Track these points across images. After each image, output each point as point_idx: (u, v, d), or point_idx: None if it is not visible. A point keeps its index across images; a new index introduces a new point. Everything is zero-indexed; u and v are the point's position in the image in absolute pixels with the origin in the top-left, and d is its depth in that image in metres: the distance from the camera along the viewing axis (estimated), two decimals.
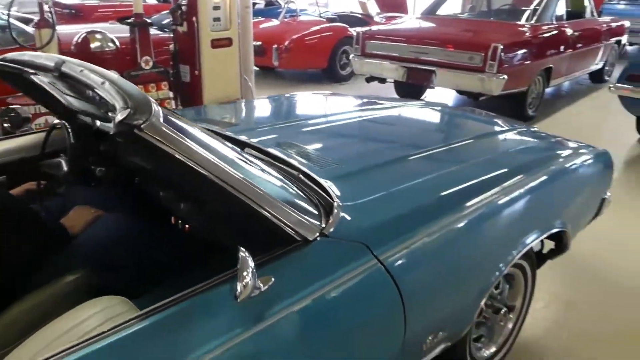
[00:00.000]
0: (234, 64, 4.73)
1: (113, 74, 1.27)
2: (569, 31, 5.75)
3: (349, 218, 1.35)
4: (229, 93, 4.71)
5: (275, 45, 6.70)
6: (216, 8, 4.51)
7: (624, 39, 7.39)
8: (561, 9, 5.81)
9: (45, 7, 3.76)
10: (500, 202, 1.66)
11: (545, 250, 2.12)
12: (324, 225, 1.28)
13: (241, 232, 1.25)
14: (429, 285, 1.43)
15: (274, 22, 7.65)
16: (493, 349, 1.99)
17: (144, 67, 4.21)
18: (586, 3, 6.50)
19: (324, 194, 1.42)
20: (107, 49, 4.14)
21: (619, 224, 3.14)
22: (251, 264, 1.02)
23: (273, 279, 1.09)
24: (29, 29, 4.08)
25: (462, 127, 2.58)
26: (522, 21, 5.45)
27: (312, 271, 1.20)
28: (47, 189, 1.95)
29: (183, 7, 4.38)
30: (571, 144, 2.22)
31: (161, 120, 1.07)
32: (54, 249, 1.72)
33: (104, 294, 1.29)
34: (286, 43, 6.75)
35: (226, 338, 1.03)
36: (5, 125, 2.52)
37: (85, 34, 4.11)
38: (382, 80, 5.70)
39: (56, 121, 1.97)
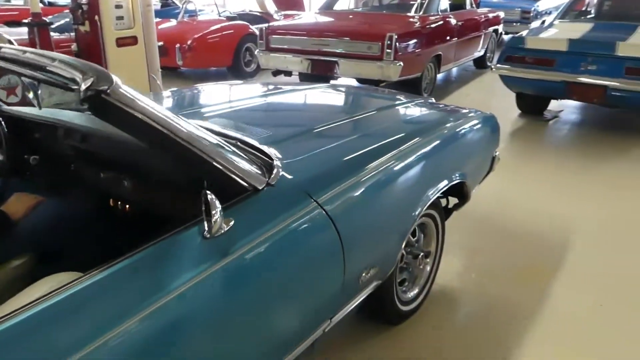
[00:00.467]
0: (141, 62, 4.73)
1: (58, 54, 1.35)
2: (453, 21, 6.32)
3: (288, 173, 1.54)
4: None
5: (178, 45, 6.69)
6: (118, 7, 4.49)
7: (501, 28, 8.20)
8: (444, 1, 6.37)
9: None
10: (408, 159, 1.92)
11: (450, 205, 2.45)
12: (268, 179, 1.46)
13: (198, 186, 1.39)
14: (361, 227, 1.66)
15: (173, 22, 7.61)
16: (416, 291, 2.27)
17: None
18: None
19: (262, 156, 1.60)
20: None
21: (508, 184, 3.61)
22: (218, 205, 1.18)
23: (233, 221, 1.26)
24: None
25: (371, 101, 2.85)
26: (412, 13, 5.92)
27: (264, 215, 1.38)
28: None
29: (84, 6, 4.32)
30: (463, 111, 2.56)
31: (121, 85, 1.20)
32: None
33: None
34: (189, 42, 6.76)
35: (198, 271, 1.18)
36: None
37: None
38: (288, 73, 5.93)
39: None
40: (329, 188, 1.56)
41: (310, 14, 6.92)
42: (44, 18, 4.06)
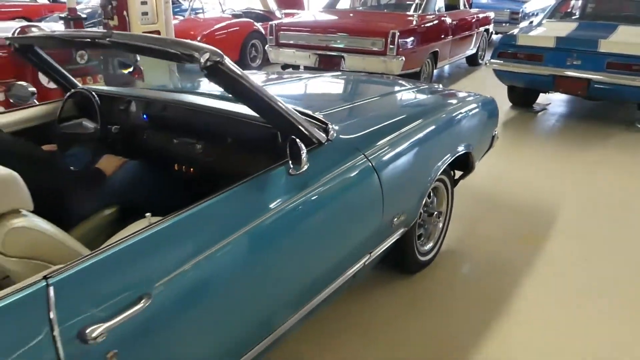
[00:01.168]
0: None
1: (163, 37, 1.74)
2: (448, 20, 6.77)
3: (342, 134, 1.94)
4: None
5: None
6: (143, 3, 4.85)
7: (491, 27, 8.66)
8: (440, 1, 6.80)
9: None
10: (428, 129, 2.34)
11: (457, 177, 2.86)
12: (327, 136, 1.85)
13: (282, 137, 1.78)
14: (395, 178, 2.07)
15: (179, 19, 7.95)
16: (430, 244, 2.69)
17: (79, 61, 4.44)
18: None
19: (317, 121, 1.99)
20: None
21: (503, 166, 4.07)
22: (304, 148, 1.58)
23: (308, 164, 1.66)
24: None
25: (394, 85, 3.26)
26: (411, 12, 6.35)
27: (327, 162, 1.78)
28: (71, 145, 2.32)
29: (113, 2, 4.67)
30: (469, 94, 2.98)
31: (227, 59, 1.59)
32: (93, 187, 2.12)
33: None
34: (198, 39, 7.12)
35: (287, 197, 1.58)
36: (12, 100, 2.77)
37: (20, 28, 4.25)
38: (296, 68, 6.32)
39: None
40: (372, 146, 1.97)
41: (315, 12, 7.31)
42: (62, 15, 4.39)
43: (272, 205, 1.55)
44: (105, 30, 1.84)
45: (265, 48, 6.55)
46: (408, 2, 6.81)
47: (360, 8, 7.15)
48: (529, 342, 2.20)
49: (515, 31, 5.48)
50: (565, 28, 5.28)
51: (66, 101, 2.39)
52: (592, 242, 3.03)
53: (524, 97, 5.69)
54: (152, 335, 1.24)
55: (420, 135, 2.28)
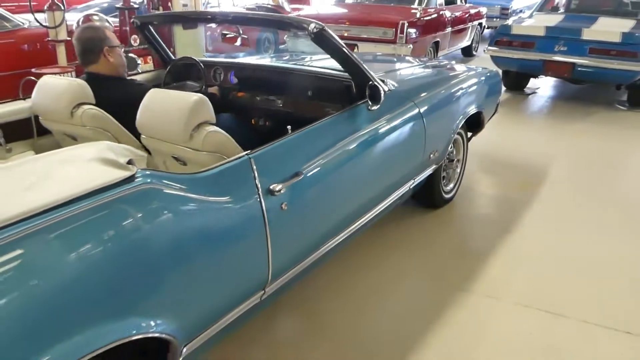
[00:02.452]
0: (198, 42, 5.73)
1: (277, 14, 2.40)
2: (447, 14, 7.48)
3: (394, 88, 2.62)
4: None
5: (208, 33, 7.68)
6: (185, 5, 5.48)
7: (484, 22, 9.41)
8: None
9: None
10: (454, 89, 3.04)
11: (470, 135, 3.56)
12: (388, 87, 2.53)
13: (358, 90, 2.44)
14: (433, 123, 2.75)
15: None
16: (451, 185, 3.39)
17: (133, 44, 5.08)
18: None
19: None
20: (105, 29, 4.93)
21: (502, 136, 4.80)
22: (383, 91, 2.26)
23: (378, 105, 2.33)
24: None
25: (423, 60, 3.95)
26: (415, 5, 7.05)
27: (390, 104, 2.46)
28: None
29: None
30: (478, 67, 3.68)
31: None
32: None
33: None
34: (219, 30, 7.75)
35: (368, 124, 2.27)
36: None
37: (84, 16, 4.88)
38: None
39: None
40: (417, 97, 2.66)
41: (330, 5, 7.97)
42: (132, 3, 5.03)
43: (359, 128, 2.24)
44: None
45: (285, 38, 7.20)
46: None
47: (367, 2, 7.81)
48: (531, 250, 2.91)
49: (510, 22, 6.22)
50: (553, 19, 6.01)
51: (170, 68, 3.03)
52: (577, 187, 3.76)
53: (517, 81, 6.41)
54: (305, 196, 1.91)
55: (448, 94, 2.98)
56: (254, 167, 1.72)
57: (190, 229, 1.47)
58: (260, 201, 1.69)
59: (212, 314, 1.59)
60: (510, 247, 2.93)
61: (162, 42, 3.06)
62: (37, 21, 4.46)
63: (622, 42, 5.19)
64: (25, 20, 5.12)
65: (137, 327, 1.29)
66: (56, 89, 2.23)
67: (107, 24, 5.01)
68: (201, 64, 2.92)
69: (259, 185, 1.70)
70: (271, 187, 1.73)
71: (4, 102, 2.40)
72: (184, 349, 1.49)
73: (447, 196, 3.35)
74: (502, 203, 3.50)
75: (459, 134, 3.30)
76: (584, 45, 5.37)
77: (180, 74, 3.08)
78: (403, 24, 6.11)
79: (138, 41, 5.10)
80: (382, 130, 2.36)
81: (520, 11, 11.42)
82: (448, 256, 2.86)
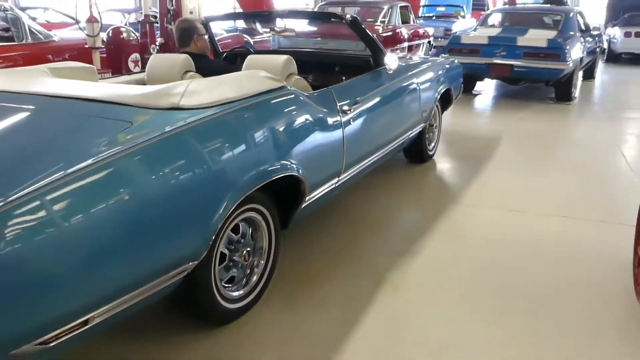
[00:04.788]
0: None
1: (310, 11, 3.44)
2: (403, 31, 8.78)
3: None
4: None
5: None
6: (191, 12, 6.44)
7: (432, 40, 10.84)
8: (398, 17, 8.82)
9: (94, 8, 5.39)
10: (432, 71, 4.16)
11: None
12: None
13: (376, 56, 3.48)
14: (424, 89, 3.84)
15: None
16: (432, 145, 4.48)
17: (152, 52, 5.98)
18: (410, 14, 9.70)
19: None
20: (131, 38, 5.83)
21: (461, 122, 5.99)
22: (396, 58, 3.33)
23: (393, 69, 3.40)
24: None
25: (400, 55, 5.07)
26: (378, 23, 8.30)
27: (400, 72, 3.53)
28: None
29: (171, 11, 6.24)
30: (447, 59, 4.84)
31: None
32: None
33: None
34: None
35: (388, 81, 3.33)
36: None
37: (114, 28, 5.76)
38: None
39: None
40: (412, 70, 3.76)
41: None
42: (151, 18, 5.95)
43: (383, 82, 3.30)
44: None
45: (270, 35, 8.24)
46: (374, 16, 8.77)
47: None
48: (493, 182, 4.04)
49: (459, 33, 7.54)
50: (493, 31, 7.38)
51: (226, 55, 4.00)
52: (519, 149, 4.98)
53: (466, 84, 7.62)
54: (359, 116, 2.91)
55: (430, 72, 4.09)
56: (334, 95, 2.73)
57: (309, 119, 2.45)
58: (339, 114, 2.70)
59: (317, 179, 2.54)
60: (479, 181, 4.04)
61: (212, 37, 4.01)
62: (81, 29, 5.30)
63: (547, 47, 6.57)
64: (54, 34, 5.94)
65: (290, 169, 2.24)
66: (169, 61, 3.15)
67: (132, 35, 5.91)
68: (251, 50, 3.91)
69: (337, 105, 2.71)
70: (344, 107, 2.75)
71: (127, 74, 3.30)
72: (306, 198, 2.44)
73: (430, 152, 4.44)
74: (469, 158, 4.63)
75: (436, 106, 4.42)
76: (519, 50, 6.72)
77: (231, 58, 4.05)
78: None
79: (156, 50, 6.00)
80: (395, 87, 3.43)
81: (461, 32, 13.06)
82: (438, 188, 3.94)
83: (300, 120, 2.39)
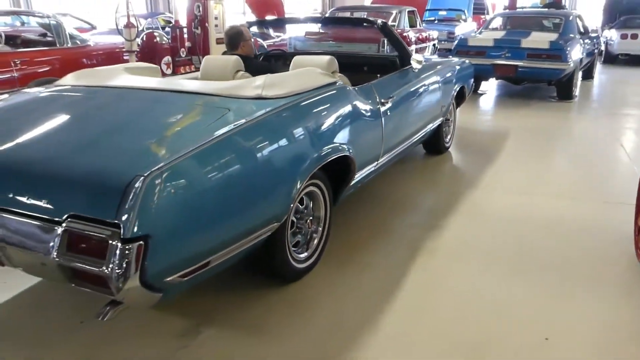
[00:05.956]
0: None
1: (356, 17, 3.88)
2: (411, 34, 9.23)
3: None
4: None
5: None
6: (216, 18, 6.89)
7: (436, 43, 11.29)
8: (406, 21, 9.26)
9: (131, 14, 5.82)
10: (450, 68, 4.59)
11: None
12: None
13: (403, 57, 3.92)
14: (444, 85, 4.28)
15: None
16: (448, 137, 4.91)
17: (182, 55, 6.41)
18: (417, 19, 10.15)
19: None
20: (163, 42, 6.26)
21: (470, 120, 6.42)
22: (422, 58, 3.76)
23: (421, 66, 3.84)
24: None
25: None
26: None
27: (424, 71, 3.97)
28: None
29: (198, 17, 6.68)
30: (460, 59, 5.28)
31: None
32: None
33: None
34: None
35: (417, 77, 3.77)
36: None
37: (147, 33, 6.18)
38: None
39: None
40: (434, 68, 4.19)
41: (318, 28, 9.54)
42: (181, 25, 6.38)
43: (411, 79, 3.73)
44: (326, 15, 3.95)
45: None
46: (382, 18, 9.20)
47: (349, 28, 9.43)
48: (505, 169, 4.47)
49: (466, 36, 7.99)
50: (498, 34, 7.83)
51: (264, 56, 4.42)
52: (525, 142, 5.42)
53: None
54: (393, 109, 3.32)
55: (448, 71, 4.53)
56: (374, 89, 3.16)
57: (357, 109, 2.88)
58: (379, 106, 3.13)
59: (362, 161, 2.96)
60: (492, 169, 4.47)
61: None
62: (121, 34, 5.73)
63: (550, 48, 7.02)
64: (88, 38, 6.37)
65: (345, 150, 2.66)
66: (222, 62, 3.56)
67: (164, 39, 6.34)
68: (288, 53, 4.34)
69: (377, 98, 3.14)
70: (382, 100, 3.18)
71: (184, 73, 3.72)
72: (356, 174, 2.87)
73: (447, 145, 4.88)
74: (480, 150, 5.07)
75: (452, 102, 4.86)
76: (523, 51, 7.16)
77: (268, 59, 4.48)
78: (384, 40, 7.74)
79: (185, 53, 6.44)
80: (420, 84, 3.86)
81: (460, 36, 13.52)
82: (455, 175, 4.37)
83: (351, 109, 2.82)
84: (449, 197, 3.81)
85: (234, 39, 3.76)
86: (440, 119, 4.42)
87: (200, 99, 2.35)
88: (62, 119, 2.27)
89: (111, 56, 6.23)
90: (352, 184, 2.91)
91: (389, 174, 4.13)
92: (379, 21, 3.74)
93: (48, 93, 2.61)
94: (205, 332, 2.22)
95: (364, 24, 4.16)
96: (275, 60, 4.48)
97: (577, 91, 7.94)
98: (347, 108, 2.80)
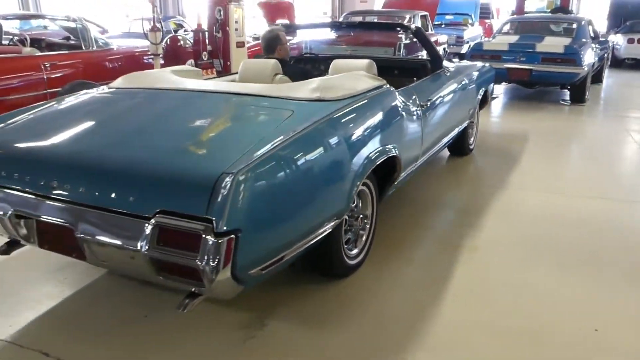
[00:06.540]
0: (244, 56, 7.21)
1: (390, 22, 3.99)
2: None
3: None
4: None
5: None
6: (237, 22, 6.99)
7: (446, 47, 11.43)
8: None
9: (156, 19, 5.93)
10: (476, 71, 4.70)
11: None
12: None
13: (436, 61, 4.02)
14: (473, 87, 4.38)
15: None
16: (472, 139, 5.01)
17: (204, 58, 6.52)
18: (428, 24, 10.27)
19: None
20: (187, 46, 6.36)
21: (485, 121, 6.54)
22: (450, 65, 3.87)
23: (451, 70, 3.95)
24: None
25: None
26: (400, 32, 8.83)
27: (454, 74, 4.08)
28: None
29: (219, 21, 6.78)
30: (483, 64, 5.39)
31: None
32: None
33: None
34: None
35: (446, 80, 3.89)
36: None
37: (171, 36, 6.29)
38: None
39: None
40: (463, 73, 4.30)
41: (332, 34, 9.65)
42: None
43: (444, 82, 3.83)
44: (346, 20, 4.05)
45: None
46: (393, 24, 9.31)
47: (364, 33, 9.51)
48: (530, 169, 4.57)
49: (482, 41, 8.11)
50: (512, 38, 7.95)
51: (296, 59, 4.53)
52: (546, 143, 5.53)
53: None
54: (430, 111, 3.43)
55: (474, 74, 4.64)
56: (414, 92, 3.27)
57: (402, 111, 2.99)
58: (418, 108, 3.24)
59: (406, 161, 3.06)
60: (517, 169, 4.58)
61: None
62: (147, 38, 5.83)
63: (564, 53, 7.14)
64: (111, 41, 6.46)
65: (394, 151, 2.77)
66: (262, 65, 3.66)
67: (188, 42, 6.44)
68: (319, 56, 4.44)
69: (417, 100, 3.25)
70: (421, 103, 3.28)
71: (223, 75, 3.82)
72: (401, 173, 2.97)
73: (471, 146, 4.98)
74: (502, 152, 5.17)
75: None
76: (538, 55, 7.28)
77: (303, 62, 4.59)
78: (400, 44, 7.86)
79: (207, 56, 6.54)
80: (452, 87, 3.96)
81: (470, 40, 13.65)
82: (482, 175, 4.48)
83: (398, 111, 2.92)
84: (479, 197, 3.91)
85: (272, 43, 3.85)
86: (467, 121, 4.53)
87: (259, 100, 2.45)
88: (136, 119, 2.37)
89: (132, 59, 6.33)
90: (395, 183, 3.01)
91: (418, 174, 4.22)
92: (413, 26, 3.85)
93: (110, 95, 2.71)
94: (269, 324, 2.31)
95: (397, 28, 4.27)
96: (308, 64, 4.58)
97: (588, 94, 8.06)
98: (395, 110, 2.91)
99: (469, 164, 4.80)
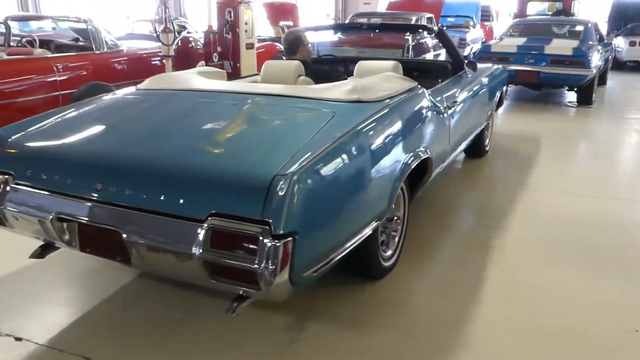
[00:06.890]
0: (253, 57, 7.19)
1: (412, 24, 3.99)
2: (428, 41, 9.35)
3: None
4: None
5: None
6: (246, 24, 6.97)
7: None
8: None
9: (168, 20, 5.91)
10: (492, 73, 4.71)
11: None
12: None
13: (457, 62, 4.03)
14: (491, 89, 4.39)
15: None
16: (487, 140, 5.01)
17: (214, 59, 6.50)
18: (434, 26, 10.28)
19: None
20: (197, 47, 6.34)
21: (499, 122, 6.56)
22: (469, 70, 3.88)
23: (472, 74, 3.95)
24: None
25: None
26: (407, 35, 8.86)
27: (475, 77, 4.08)
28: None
29: (229, 22, 6.76)
30: (497, 66, 5.40)
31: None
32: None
33: None
34: None
35: (466, 82, 3.88)
36: None
37: (182, 38, 6.27)
38: None
39: None
40: (482, 75, 4.30)
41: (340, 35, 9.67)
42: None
43: (465, 84, 3.83)
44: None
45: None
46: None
47: (371, 34, 9.53)
48: (544, 170, 4.58)
49: (490, 43, 8.14)
50: (520, 41, 7.98)
51: (315, 59, 4.52)
52: (558, 145, 5.56)
53: None
54: (455, 111, 3.42)
55: (491, 76, 4.64)
56: (441, 93, 3.27)
57: (433, 112, 2.99)
58: (445, 109, 3.24)
59: (438, 161, 3.05)
60: (534, 170, 4.59)
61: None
62: (159, 40, 5.81)
63: (573, 55, 7.17)
64: (121, 43, 6.43)
65: (428, 152, 2.76)
66: (284, 67, 3.65)
67: (199, 44, 6.43)
68: (339, 58, 4.44)
69: (444, 101, 3.25)
70: (448, 104, 3.28)
71: (246, 76, 3.81)
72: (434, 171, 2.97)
73: (487, 148, 4.99)
74: (517, 153, 5.19)
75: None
76: (546, 58, 7.31)
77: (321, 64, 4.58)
78: (408, 46, 7.87)
79: (217, 58, 6.53)
80: (473, 88, 3.97)
81: (473, 42, 13.67)
82: (499, 177, 4.49)
83: (430, 112, 2.93)
84: (499, 198, 3.92)
85: (294, 44, 3.84)
86: (485, 122, 4.54)
87: (295, 102, 2.44)
88: (176, 121, 2.36)
89: (140, 61, 6.31)
90: (424, 185, 3.01)
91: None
92: (435, 27, 3.85)
93: (142, 97, 2.70)
94: (309, 327, 2.30)
95: (420, 30, 4.27)
96: (326, 65, 4.57)
97: (595, 96, 8.10)
98: (429, 112, 2.91)
99: (484, 165, 4.81)
